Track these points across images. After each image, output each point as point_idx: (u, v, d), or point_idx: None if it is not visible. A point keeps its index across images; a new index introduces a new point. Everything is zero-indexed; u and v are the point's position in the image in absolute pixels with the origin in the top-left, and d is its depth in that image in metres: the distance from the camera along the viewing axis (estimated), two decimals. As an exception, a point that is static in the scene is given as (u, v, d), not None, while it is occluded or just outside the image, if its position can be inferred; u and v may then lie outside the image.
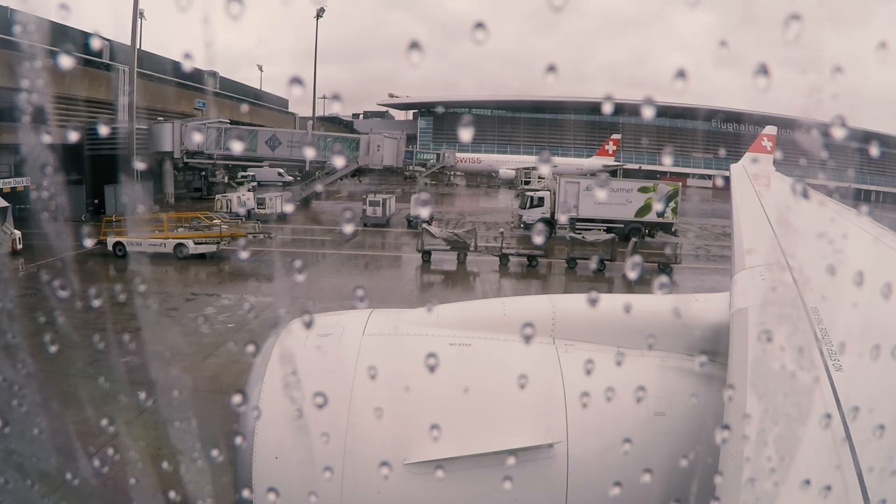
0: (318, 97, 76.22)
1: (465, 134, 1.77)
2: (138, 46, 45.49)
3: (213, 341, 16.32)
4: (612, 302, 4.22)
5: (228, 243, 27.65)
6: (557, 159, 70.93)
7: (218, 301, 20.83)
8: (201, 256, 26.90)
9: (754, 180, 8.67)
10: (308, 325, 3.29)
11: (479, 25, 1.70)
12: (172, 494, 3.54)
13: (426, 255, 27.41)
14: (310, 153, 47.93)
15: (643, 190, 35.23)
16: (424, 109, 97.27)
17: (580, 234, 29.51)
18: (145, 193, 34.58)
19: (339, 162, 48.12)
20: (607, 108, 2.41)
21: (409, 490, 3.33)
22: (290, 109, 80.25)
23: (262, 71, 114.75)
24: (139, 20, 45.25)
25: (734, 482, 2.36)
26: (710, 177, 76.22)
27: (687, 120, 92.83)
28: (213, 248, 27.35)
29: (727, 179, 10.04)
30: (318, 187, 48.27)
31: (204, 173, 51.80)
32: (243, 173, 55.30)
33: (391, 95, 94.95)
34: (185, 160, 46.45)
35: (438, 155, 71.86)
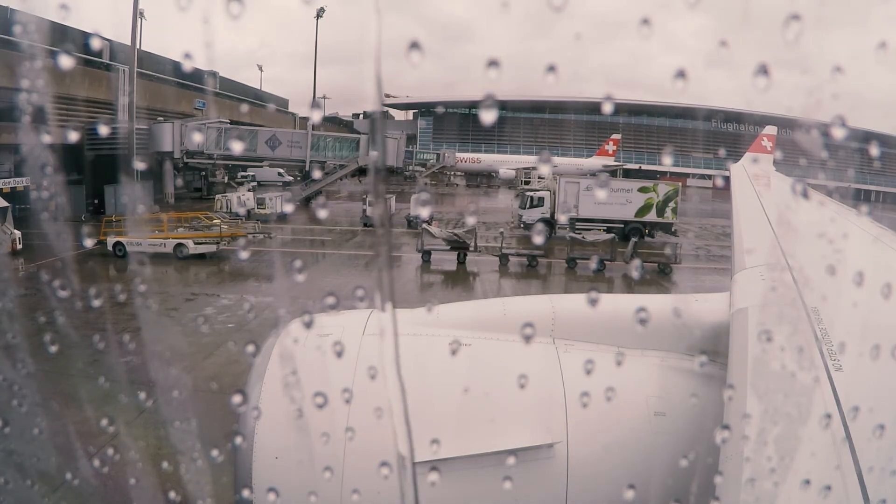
0: (318, 96, 76.40)
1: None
2: (138, 46, 45.57)
3: (213, 341, 16.32)
4: (612, 302, 4.22)
5: (228, 243, 27.65)
6: (557, 159, 70.88)
7: (218, 301, 20.82)
8: (201, 256, 26.89)
9: (754, 180, 8.67)
10: (308, 325, 3.28)
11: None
12: (172, 494, 3.54)
13: (426, 255, 27.39)
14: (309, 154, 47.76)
15: (643, 190, 35.23)
16: (424, 109, 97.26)
17: (580, 234, 29.51)
18: (145, 193, 34.56)
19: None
20: (607, 108, 2.41)
21: (409, 490, 3.33)
22: (290, 109, 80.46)
23: (262, 71, 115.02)
24: (139, 20, 45.40)
25: (734, 482, 2.36)
26: (710, 177, 76.19)
27: (687, 120, 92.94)
28: (212, 248, 27.35)
29: (727, 179, 10.02)
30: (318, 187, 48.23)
31: (204, 173, 51.79)
32: (243, 173, 55.28)
33: (388, 95, 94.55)
34: (185, 160, 46.42)
35: (438, 155, 71.90)
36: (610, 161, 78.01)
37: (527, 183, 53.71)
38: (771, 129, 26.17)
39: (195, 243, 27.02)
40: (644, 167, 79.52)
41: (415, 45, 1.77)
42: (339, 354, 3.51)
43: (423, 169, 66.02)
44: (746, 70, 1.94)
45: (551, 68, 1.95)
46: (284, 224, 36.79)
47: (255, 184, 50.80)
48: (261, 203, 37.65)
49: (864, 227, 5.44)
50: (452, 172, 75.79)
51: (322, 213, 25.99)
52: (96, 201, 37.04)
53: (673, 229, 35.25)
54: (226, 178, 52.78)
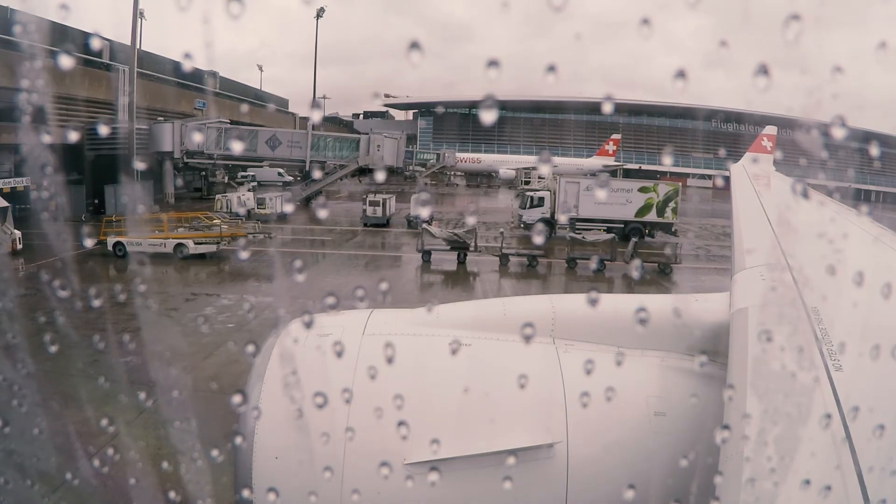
0: (318, 96, 76.48)
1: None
2: (138, 46, 45.56)
3: (213, 341, 16.32)
4: (612, 302, 4.22)
5: (228, 243, 27.65)
6: (557, 159, 70.83)
7: (218, 301, 20.82)
8: (201, 256, 26.89)
9: (754, 180, 8.67)
10: (308, 325, 3.29)
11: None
12: (172, 494, 3.54)
13: (426, 255, 27.40)
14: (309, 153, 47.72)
15: (643, 190, 35.23)
16: (424, 109, 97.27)
17: (580, 234, 29.50)
18: (145, 193, 34.61)
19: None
20: (607, 108, 2.41)
21: (409, 490, 3.33)
22: (290, 109, 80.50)
23: (262, 71, 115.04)
24: (139, 20, 45.40)
25: (734, 482, 2.36)
26: (710, 177, 76.22)
27: (687, 120, 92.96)
28: (213, 248, 27.35)
29: (727, 179, 10.03)
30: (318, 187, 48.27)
31: (204, 173, 51.80)
32: (243, 173, 55.31)
33: (388, 95, 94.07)
34: (185, 160, 46.44)
35: (438, 155, 71.88)
36: (610, 161, 77.96)
37: (527, 183, 53.71)
38: (771, 129, 26.12)
39: (195, 243, 27.01)
40: (644, 167, 79.50)
41: (415, 45, 1.77)
42: (339, 354, 3.51)
43: (423, 169, 65.98)
44: (746, 70, 1.94)
45: (551, 68, 1.95)
46: (284, 224, 36.81)
47: (255, 184, 50.84)
48: (261, 203, 37.66)
49: (864, 227, 5.44)
50: (452, 172, 75.73)
51: (322, 213, 26.14)
52: (96, 201, 37.05)
53: (673, 229, 35.24)
54: (226, 178, 52.80)
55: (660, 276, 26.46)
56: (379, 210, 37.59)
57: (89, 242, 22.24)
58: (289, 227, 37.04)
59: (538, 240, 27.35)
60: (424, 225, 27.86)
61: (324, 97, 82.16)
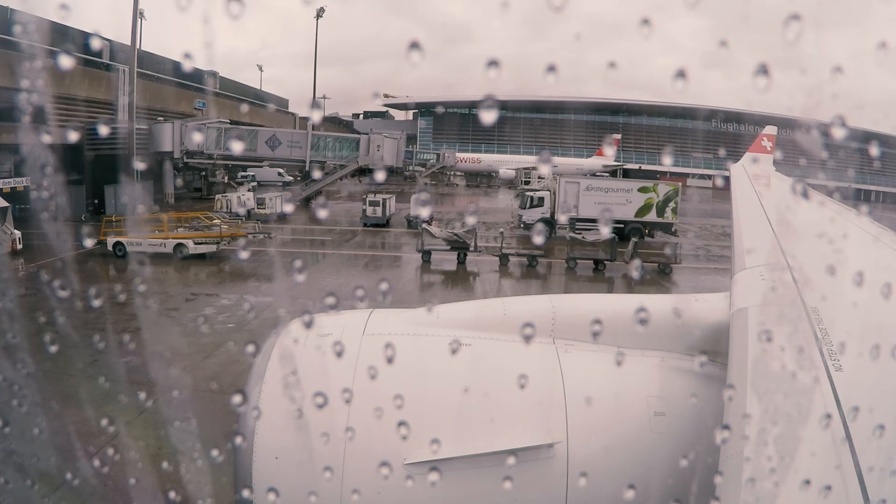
0: (318, 96, 76.53)
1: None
2: (138, 46, 45.55)
3: (213, 341, 16.32)
4: (612, 302, 4.22)
5: (228, 243, 27.65)
6: (557, 159, 70.84)
7: (218, 301, 20.82)
8: (201, 256, 26.89)
9: (754, 180, 8.67)
10: (308, 325, 3.29)
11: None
12: (172, 494, 3.54)
13: (426, 255, 27.40)
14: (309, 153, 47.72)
15: (643, 190, 35.26)
16: (424, 109, 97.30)
17: (580, 234, 29.50)
18: (145, 193, 34.59)
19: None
20: (608, 110, 2.41)
21: (409, 490, 3.33)
22: (290, 109, 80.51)
23: (262, 71, 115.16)
24: (139, 20, 45.37)
25: (734, 482, 2.36)
26: (710, 177, 76.19)
27: (687, 120, 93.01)
28: (212, 248, 27.35)
29: (727, 179, 10.05)
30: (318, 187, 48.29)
31: (204, 173, 51.80)
32: (243, 173, 55.33)
33: (388, 95, 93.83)
34: (185, 160, 46.43)
35: (438, 155, 71.92)
36: (610, 161, 77.96)
37: (527, 183, 53.70)
38: (771, 129, 26.09)
39: (195, 243, 27.01)
40: (644, 167, 79.52)
41: (415, 46, 1.77)
42: (339, 354, 3.51)
43: (423, 169, 66.00)
44: (746, 70, 1.94)
45: (551, 68, 1.95)
46: (284, 224, 36.81)
47: (255, 184, 50.84)
48: (261, 203, 37.67)
49: (864, 227, 5.44)
50: (452, 172, 75.75)
51: (322, 213, 26.16)
52: (96, 201, 37.03)
53: (673, 229, 35.26)
54: (226, 178, 52.81)
55: (660, 276, 26.46)
56: (379, 210, 37.58)
57: (89, 242, 22.21)
58: (289, 227, 37.04)
59: (538, 240, 27.34)
60: (424, 225, 27.84)
61: (324, 97, 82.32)
